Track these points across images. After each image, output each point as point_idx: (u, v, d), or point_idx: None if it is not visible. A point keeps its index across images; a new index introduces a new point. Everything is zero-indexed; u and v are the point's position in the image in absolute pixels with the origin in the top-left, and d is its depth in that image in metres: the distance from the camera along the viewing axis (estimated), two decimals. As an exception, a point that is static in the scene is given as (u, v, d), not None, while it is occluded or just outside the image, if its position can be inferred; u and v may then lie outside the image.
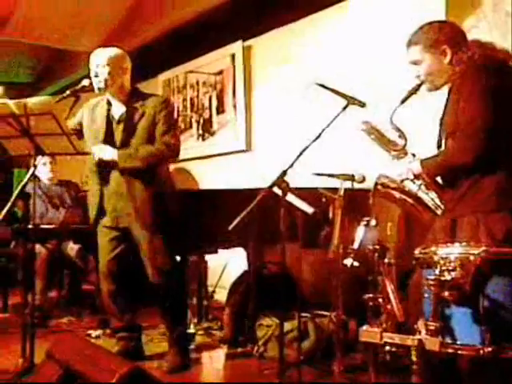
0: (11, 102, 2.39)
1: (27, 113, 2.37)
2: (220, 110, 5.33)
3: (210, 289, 4.53)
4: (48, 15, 5.49)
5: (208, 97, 5.47)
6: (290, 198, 2.34)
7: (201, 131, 5.57)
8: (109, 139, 2.83)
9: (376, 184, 2.13)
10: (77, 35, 5.89)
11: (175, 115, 3.05)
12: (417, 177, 2.11)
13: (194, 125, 5.64)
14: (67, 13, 5.45)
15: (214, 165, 5.44)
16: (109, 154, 2.76)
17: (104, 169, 2.82)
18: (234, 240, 3.45)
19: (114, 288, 2.97)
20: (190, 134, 5.61)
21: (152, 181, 2.84)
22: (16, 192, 2.57)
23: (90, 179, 2.96)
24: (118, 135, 2.83)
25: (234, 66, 5.09)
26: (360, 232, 2.09)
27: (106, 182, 2.85)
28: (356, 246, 2.08)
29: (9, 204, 2.57)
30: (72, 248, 4.43)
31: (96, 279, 4.30)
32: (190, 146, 5.52)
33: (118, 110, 2.88)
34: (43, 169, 4.49)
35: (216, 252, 4.01)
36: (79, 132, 2.94)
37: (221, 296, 4.45)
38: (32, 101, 2.37)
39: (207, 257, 4.18)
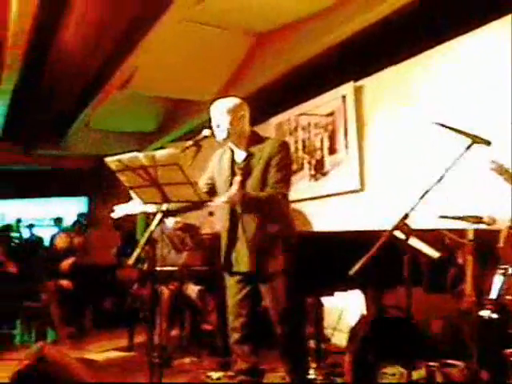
0: (141, 155, 2.54)
1: (156, 164, 2.51)
2: (332, 150, 5.34)
3: (327, 331, 4.45)
4: (167, 68, 5.86)
5: (319, 138, 5.51)
6: (413, 241, 2.26)
7: (313, 172, 5.60)
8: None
9: (509, 227, 2.00)
10: (195, 85, 6.23)
11: (291, 158, 3.04)
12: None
13: (306, 166, 5.69)
14: (185, 65, 5.78)
15: (327, 205, 5.41)
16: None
17: (232, 214, 2.90)
18: (351, 283, 3.37)
19: (241, 331, 2.98)
20: (303, 175, 5.66)
21: (273, 224, 2.86)
22: (145, 237, 2.69)
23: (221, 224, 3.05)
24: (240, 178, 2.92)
25: (345, 107, 5.11)
26: (497, 281, 1.95)
27: (233, 227, 2.93)
28: (493, 296, 1.94)
29: (138, 249, 2.70)
30: (193, 289, 4.57)
31: (216, 320, 4.41)
32: (302, 186, 5.56)
33: (240, 155, 2.98)
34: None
35: (332, 294, 3.94)
36: (211, 188, 3.07)
37: (338, 339, 4.36)
38: (159, 153, 2.50)
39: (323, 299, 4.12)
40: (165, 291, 4.41)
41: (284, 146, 2.97)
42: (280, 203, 2.92)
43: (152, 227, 2.68)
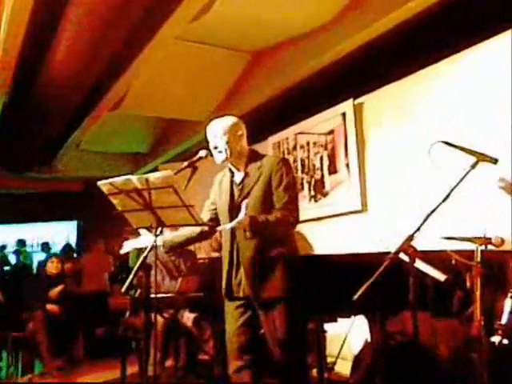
0: (134, 178, 2.54)
1: (149, 187, 2.51)
2: (332, 169, 5.37)
3: (329, 359, 4.40)
4: (161, 88, 5.91)
5: (319, 157, 5.54)
6: (419, 264, 2.26)
7: (313, 192, 5.62)
8: (233, 205, 2.91)
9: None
10: (189, 105, 6.27)
11: (293, 175, 3.02)
12: None
13: (306, 186, 5.70)
14: (179, 84, 5.83)
15: (327, 226, 5.41)
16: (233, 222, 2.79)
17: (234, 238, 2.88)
18: (355, 308, 3.36)
19: (241, 359, 2.94)
20: (302, 196, 5.66)
21: (274, 247, 2.84)
22: (138, 263, 2.69)
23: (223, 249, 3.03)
24: (238, 199, 2.90)
25: (345, 125, 5.15)
26: (508, 305, 1.94)
27: (234, 251, 2.91)
28: (504, 320, 1.92)
29: (131, 276, 2.68)
30: (188, 317, 4.54)
31: (212, 348, 4.37)
32: (302, 207, 5.53)
33: (239, 176, 2.97)
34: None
35: (335, 320, 3.91)
36: (216, 214, 3.04)
37: (341, 367, 4.31)
38: (153, 175, 2.51)
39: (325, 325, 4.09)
40: (159, 319, 4.36)
41: (284, 162, 2.95)
42: (292, 226, 2.90)
43: (145, 252, 2.67)
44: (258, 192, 2.87)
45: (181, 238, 3.09)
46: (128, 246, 3.05)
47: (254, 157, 2.97)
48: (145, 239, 3.00)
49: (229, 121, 2.96)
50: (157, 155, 8.26)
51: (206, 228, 3.03)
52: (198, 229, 3.04)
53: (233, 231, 2.86)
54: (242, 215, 2.68)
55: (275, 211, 2.82)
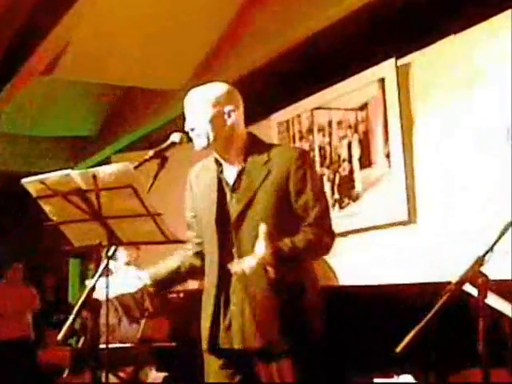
0: (75, 174, 2.54)
1: (98, 187, 2.51)
2: (365, 162, 5.40)
3: None
4: (115, 43, 5.92)
5: (346, 143, 5.58)
6: (493, 300, 2.27)
7: (337, 195, 5.64)
8: (223, 216, 2.89)
9: None
10: (157, 68, 6.27)
11: (319, 176, 3.05)
12: None
13: (327, 186, 5.72)
14: (142, 37, 5.84)
15: (358, 245, 5.43)
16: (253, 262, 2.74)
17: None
18: (398, 364, 3.39)
19: None
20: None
21: (285, 277, 2.84)
22: (82, 298, 2.69)
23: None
24: (234, 208, 2.87)
25: (385, 96, 5.18)
26: None
27: (223, 283, 2.89)
28: None
29: (72, 316, 2.68)
30: (155, 377, 4.55)
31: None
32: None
33: (232, 171, 2.94)
34: (118, 266, 4.71)
35: (371, 382, 3.96)
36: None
37: None
38: (104, 170, 2.50)
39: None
40: (112, 381, 4.39)
41: (307, 157, 2.94)
42: (327, 251, 2.89)
43: (92, 283, 2.67)
44: (267, 199, 2.82)
45: (170, 272, 3.08)
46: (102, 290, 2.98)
47: (256, 145, 2.95)
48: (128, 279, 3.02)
49: (215, 89, 2.94)
50: (109, 141, 8.29)
51: (198, 263, 3.02)
52: (187, 257, 3.04)
53: (221, 255, 2.84)
54: (262, 248, 2.63)
55: (304, 229, 2.80)
